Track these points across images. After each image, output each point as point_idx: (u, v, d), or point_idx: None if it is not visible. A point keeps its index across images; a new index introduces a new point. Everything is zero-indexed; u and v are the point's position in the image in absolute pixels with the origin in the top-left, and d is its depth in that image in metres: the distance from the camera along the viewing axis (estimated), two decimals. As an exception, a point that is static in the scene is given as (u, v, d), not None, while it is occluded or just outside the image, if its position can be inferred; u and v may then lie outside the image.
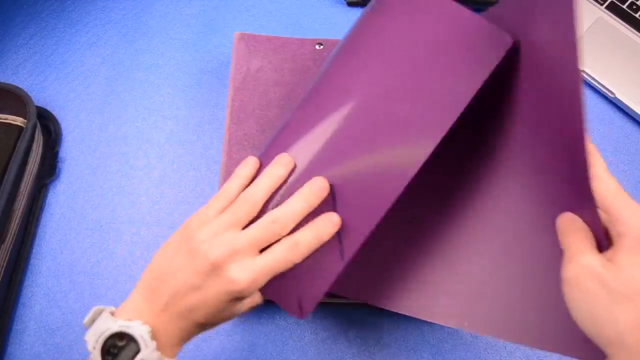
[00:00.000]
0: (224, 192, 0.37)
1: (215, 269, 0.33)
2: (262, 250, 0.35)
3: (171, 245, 0.36)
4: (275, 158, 0.37)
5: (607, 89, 0.57)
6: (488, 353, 0.49)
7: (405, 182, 0.35)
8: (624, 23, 0.60)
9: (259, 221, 0.35)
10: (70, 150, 0.55)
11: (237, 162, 0.48)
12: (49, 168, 0.53)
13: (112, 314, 0.34)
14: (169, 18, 0.61)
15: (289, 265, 0.35)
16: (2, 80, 0.53)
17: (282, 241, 0.35)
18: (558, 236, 0.33)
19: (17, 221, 0.49)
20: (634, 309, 0.26)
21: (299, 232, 0.35)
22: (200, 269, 0.33)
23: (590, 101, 0.59)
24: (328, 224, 0.35)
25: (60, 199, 0.53)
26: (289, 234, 0.35)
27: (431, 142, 0.35)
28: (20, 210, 0.50)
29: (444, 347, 0.49)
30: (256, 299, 0.37)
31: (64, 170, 0.54)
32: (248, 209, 0.35)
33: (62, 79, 0.58)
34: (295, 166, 0.37)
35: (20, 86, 0.52)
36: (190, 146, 0.55)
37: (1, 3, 0.61)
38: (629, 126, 0.57)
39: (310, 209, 0.35)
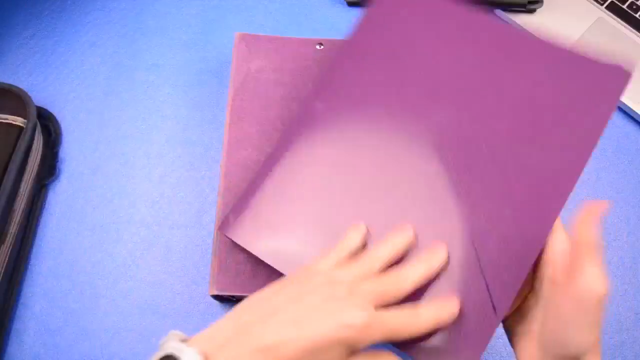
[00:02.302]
0: (342, 246, 0.36)
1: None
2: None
3: (284, 282, 0.34)
4: (398, 227, 0.38)
5: (607, 89, 0.57)
6: (488, 354, 0.49)
7: (551, 225, 0.36)
8: (624, 23, 0.60)
9: (383, 277, 0.34)
10: (70, 150, 0.55)
11: (237, 162, 0.49)
12: (49, 168, 0.53)
13: (184, 340, 0.32)
14: (169, 18, 0.61)
15: (405, 332, 0.33)
16: (2, 80, 0.53)
17: (402, 306, 0.33)
18: (577, 235, 0.31)
19: (17, 221, 0.49)
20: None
21: (422, 307, 0.34)
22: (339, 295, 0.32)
23: (590, 101, 0.59)
24: (448, 308, 0.34)
25: (60, 199, 0.53)
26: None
27: (570, 183, 0.37)
28: (20, 210, 0.50)
29: (444, 347, 0.49)
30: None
31: (64, 170, 0.54)
32: (371, 266, 0.35)
33: (62, 79, 0.58)
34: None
35: (20, 86, 0.52)
36: (190, 146, 0.55)
37: (1, 3, 0.61)
38: (629, 126, 0.57)
39: (428, 279, 0.35)
